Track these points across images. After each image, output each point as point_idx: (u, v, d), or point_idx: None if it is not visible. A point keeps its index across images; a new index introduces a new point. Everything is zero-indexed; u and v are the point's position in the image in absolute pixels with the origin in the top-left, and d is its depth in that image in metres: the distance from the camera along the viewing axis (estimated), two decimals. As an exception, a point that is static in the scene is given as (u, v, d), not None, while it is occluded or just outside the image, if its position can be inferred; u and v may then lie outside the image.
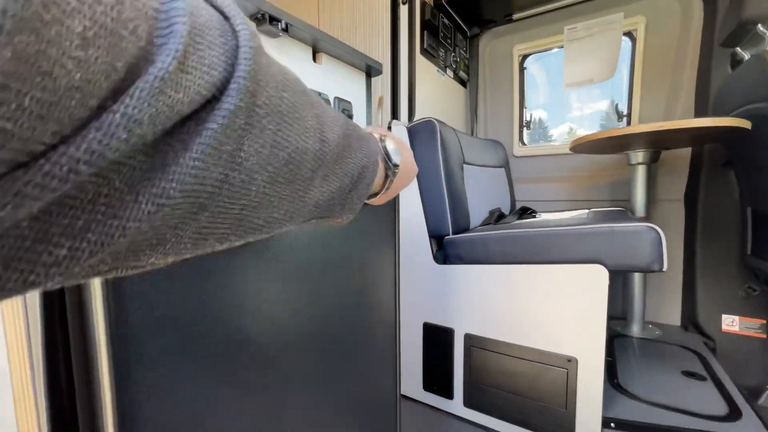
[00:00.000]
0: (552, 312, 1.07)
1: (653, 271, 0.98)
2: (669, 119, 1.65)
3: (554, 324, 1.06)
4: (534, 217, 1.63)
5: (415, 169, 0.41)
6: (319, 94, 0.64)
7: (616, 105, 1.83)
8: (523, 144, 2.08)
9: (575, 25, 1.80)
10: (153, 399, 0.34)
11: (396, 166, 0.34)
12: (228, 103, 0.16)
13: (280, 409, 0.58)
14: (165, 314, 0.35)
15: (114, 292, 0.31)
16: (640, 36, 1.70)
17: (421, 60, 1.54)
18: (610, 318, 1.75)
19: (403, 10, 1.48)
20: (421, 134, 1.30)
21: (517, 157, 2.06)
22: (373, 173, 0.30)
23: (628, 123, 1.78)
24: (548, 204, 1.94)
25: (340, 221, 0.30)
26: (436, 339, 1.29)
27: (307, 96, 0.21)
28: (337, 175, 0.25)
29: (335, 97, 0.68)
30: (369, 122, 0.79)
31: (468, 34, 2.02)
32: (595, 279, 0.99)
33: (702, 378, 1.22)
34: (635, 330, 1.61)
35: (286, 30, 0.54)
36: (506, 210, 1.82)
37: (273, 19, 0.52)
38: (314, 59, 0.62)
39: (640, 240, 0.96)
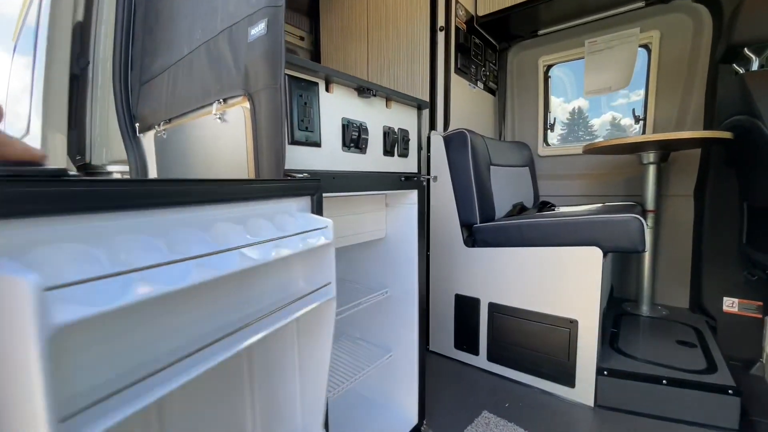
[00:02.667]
0: (558, 284, 1.35)
1: (638, 252, 1.24)
2: (680, 124, 1.84)
3: (560, 293, 1.35)
4: (552, 209, 1.89)
5: None
6: (389, 127, 0.98)
7: (633, 110, 2.03)
8: (547, 145, 2.31)
9: (595, 39, 2.01)
10: None
11: None
12: None
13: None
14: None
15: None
16: (655, 48, 1.89)
17: (455, 77, 1.84)
18: (623, 300, 1.99)
19: (440, 36, 1.78)
20: (455, 142, 1.62)
21: (541, 156, 2.30)
22: None
23: (644, 126, 1.98)
24: (568, 199, 2.18)
25: None
26: (465, 307, 1.61)
27: None
28: None
29: (398, 128, 1.02)
30: (419, 142, 1.11)
31: (497, 48, 2.28)
32: (592, 258, 1.27)
33: (693, 345, 1.46)
34: (644, 309, 1.83)
35: (374, 94, 0.89)
36: (529, 204, 2.09)
37: (367, 89, 0.86)
38: (387, 106, 0.96)
39: (628, 227, 1.23)
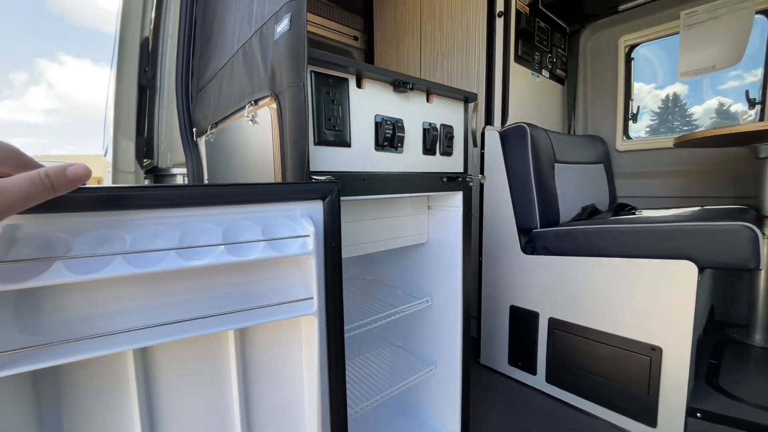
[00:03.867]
0: (637, 303, 1.14)
1: (749, 270, 0.98)
2: (816, 106, 1.45)
3: (639, 314, 1.14)
4: (633, 213, 1.62)
5: None
6: (430, 124, 0.90)
7: (747, 91, 1.65)
8: (628, 138, 2.00)
9: (695, 9, 1.68)
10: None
11: None
12: None
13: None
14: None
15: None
16: (780, 13, 1.51)
17: (515, 67, 1.67)
18: (729, 325, 1.64)
19: (499, 22, 1.63)
20: (513, 138, 1.46)
21: (620, 151, 2.00)
22: None
23: (762, 112, 1.60)
24: (654, 200, 1.86)
25: None
26: (522, 320, 1.45)
27: None
28: None
29: (441, 124, 0.93)
30: (466, 139, 1.01)
31: (567, 31, 2.03)
32: (683, 275, 1.04)
33: (830, 392, 1.13)
34: (758, 339, 1.48)
35: (412, 88, 0.82)
36: (604, 206, 1.82)
37: (403, 83, 0.80)
38: (428, 100, 0.88)
39: (735, 238, 0.98)
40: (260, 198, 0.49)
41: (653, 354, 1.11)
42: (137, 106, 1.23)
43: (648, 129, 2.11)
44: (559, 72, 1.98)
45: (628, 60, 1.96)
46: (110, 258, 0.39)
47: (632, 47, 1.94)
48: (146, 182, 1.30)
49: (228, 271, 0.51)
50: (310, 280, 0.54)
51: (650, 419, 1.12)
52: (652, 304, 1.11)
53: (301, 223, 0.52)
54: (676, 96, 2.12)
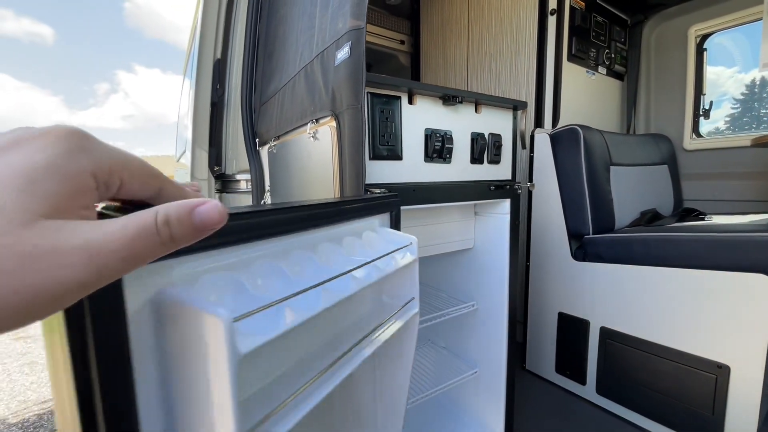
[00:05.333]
0: (702, 317, 1.07)
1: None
2: None
3: (703, 329, 1.07)
4: (701, 219, 1.50)
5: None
6: (478, 133, 0.92)
7: None
8: (698, 136, 1.84)
9: (783, -9, 1.50)
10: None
11: None
12: None
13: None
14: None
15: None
16: None
17: (567, 66, 1.61)
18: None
19: (551, 20, 1.58)
20: (564, 141, 1.42)
21: (687, 151, 1.85)
22: None
23: None
24: (726, 205, 1.70)
25: None
26: (571, 328, 1.42)
27: None
28: None
29: (489, 133, 0.95)
30: (514, 147, 1.02)
31: (629, 23, 1.91)
32: (757, 289, 0.96)
33: None
34: None
35: (461, 101, 0.85)
36: (667, 211, 1.70)
37: (452, 97, 0.83)
38: (476, 111, 0.91)
39: (822, 253, 0.88)
40: (356, 214, 0.55)
41: (719, 372, 1.04)
42: (210, 120, 1.39)
43: (728, 118, 1.90)
44: (617, 68, 1.87)
45: (700, 51, 1.80)
46: (314, 291, 0.39)
47: (704, 37, 1.78)
48: (216, 186, 1.46)
49: (357, 296, 0.52)
50: (414, 282, 0.61)
51: (714, 441, 1.05)
52: (719, 319, 1.04)
53: (390, 235, 0.60)
54: (765, 81, 1.90)
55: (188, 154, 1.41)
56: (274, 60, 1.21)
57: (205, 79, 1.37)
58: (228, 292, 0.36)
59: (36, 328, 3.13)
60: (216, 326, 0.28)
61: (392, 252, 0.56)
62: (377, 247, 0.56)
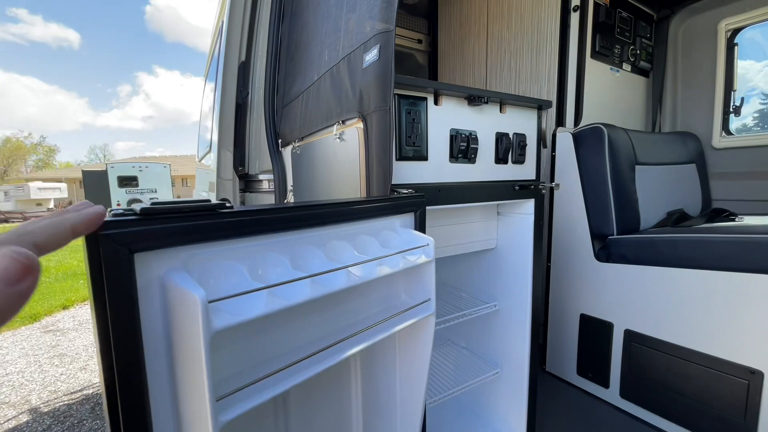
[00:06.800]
0: (733, 321, 1.04)
1: None
2: None
3: (734, 333, 1.04)
4: (731, 220, 1.45)
5: None
6: (503, 133, 0.92)
7: None
8: (728, 133, 1.78)
9: (822, -18, 1.43)
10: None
11: None
12: None
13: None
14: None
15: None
16: None
17: (591, 63, 1.58)
18: None
19: (574, 17, 1.55)
20: (587, 140, 1.40)
21: (717, 149, 1.78)
22: None
23: None
24: (759, 205, 1.63)
25: None
26: (594, 330, 1.39)
27: None
28: None
29: (514, 133, 0.94)
30: (538, 146, 1.01)
31: (654, 18, 1.85)
32: (794, 293, 0.93)
33: None
34: None
35: (486, 102, 0.84)
36: (695, 210, 1.65)
37: (478, 98, 0.83)
38: (500, 111, 0.90)
39: None
40: (375, 213, 0.57)
41: (752, 378, 1.01)
42: (234, 122, 1.43)
43: (757, 114, 1.83)
44: (643, 64, 1.82)
45: (730, 46, 1.74)
46: (303, 282, 0.44)
47: (735, 32, 1.72)
48: (240, 186, 1.50)
49: (358, 288, 0.57)
50: (429, 283, 0.62)
51: (746, 449, 1.02)
52: (752, 323, 1.01)
53: (408, 234, 0.60)
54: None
55: (212, 155, 1.45)
56: (296, 62, 1.24)
57: (231, 81, 1.41)
58: (226, 278, 0.42)
59: (65, 321, 3.27)
60: (194, 305, 0.34)
61: (403, 252, 0.56)
62: (392, 246, 0.57)
